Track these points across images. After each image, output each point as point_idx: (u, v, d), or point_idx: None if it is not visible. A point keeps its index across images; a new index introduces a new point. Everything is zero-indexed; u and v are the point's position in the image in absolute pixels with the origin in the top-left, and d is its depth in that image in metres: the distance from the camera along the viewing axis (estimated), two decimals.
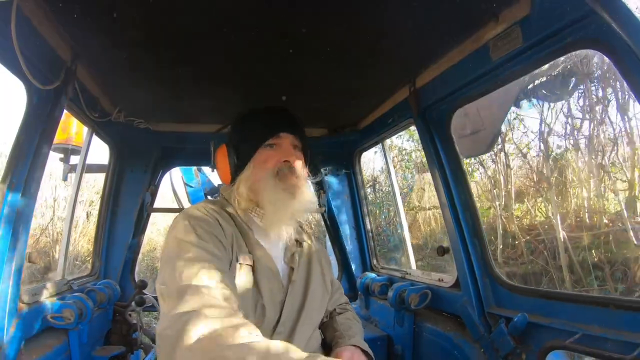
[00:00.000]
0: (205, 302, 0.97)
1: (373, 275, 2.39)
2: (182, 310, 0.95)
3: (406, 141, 7.02)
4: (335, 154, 2.62)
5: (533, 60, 1.30)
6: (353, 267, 2.65)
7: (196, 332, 0.89)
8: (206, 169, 5.52)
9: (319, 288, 1.42)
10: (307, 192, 1.35)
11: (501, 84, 1.47)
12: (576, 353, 1.26)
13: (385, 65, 1.69)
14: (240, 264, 1.22)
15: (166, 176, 2.67)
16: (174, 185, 5.02)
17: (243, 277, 1.22)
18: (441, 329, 1.79)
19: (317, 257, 1.48)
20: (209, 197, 5.36)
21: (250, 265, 1.25)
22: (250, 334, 0.90)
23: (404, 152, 7.20)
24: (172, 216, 1.67)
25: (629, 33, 0.96)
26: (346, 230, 2.66)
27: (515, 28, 1.28)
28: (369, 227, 2.65)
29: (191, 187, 5.29)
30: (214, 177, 5.56)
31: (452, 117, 1.73)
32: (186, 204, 5.26)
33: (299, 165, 1.35)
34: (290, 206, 1.30)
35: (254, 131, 1.36)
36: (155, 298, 2.30)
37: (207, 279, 1.03)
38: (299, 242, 1.45)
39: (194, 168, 5.22)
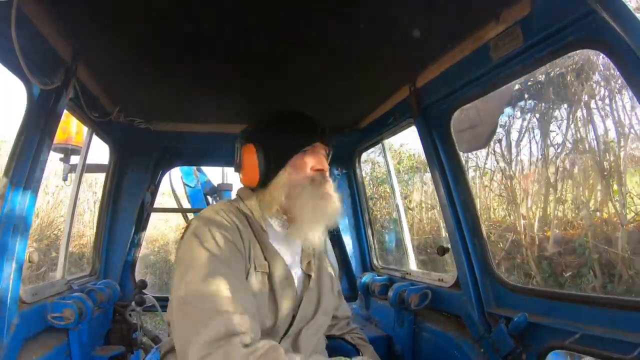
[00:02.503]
0: (233, 329, 0.99)
1: (373, 275, 2.39)
2: (213, 332, 0.98)
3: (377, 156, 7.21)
4: (335, 154, 2.58)
5: (533, 60, 1.29)
6: (353, 267, 2.65)
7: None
8: (206, 169, 5.53)
9: (330, 295, 1.44)
10: (338, 201, 1.35)
11: (501, 83, 1.47)
12: (576, 353, 1.26)
13: (385, 65, 1.69)
14: (256, 270, 1.22)
15: (165, 176, 2.67)
16: (173, 186, 5.03)
17: (258, 284, 1.21)
18: (441, 329, 1.79)
19: (326, 264, 1.50)
20: (208, 197, 5.36)
21: (266, 273, 1.24)
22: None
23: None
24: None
25: (629, 33, 0.96)
26: (346, 230, 2.66)
27: (515, 28, 1.27)
28: (369, 227, 2.64)
29: (190, 187, 5.30)
30: (213, 177, 5.57)
31: (452, 116, 1.73)
32: (185, 204, 5.27)
33: (328, 174, 1.36)
34: (326, 213, 1.30)
35: (292, 136, 1.34)
36: (156, 298, 2.30)
37: (233, 302, 1.04)
38: (313, 249, 1.45)
39: (194, 168, 5.23)
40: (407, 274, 2.16)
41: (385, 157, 2.64)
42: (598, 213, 4.24)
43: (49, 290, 1.67)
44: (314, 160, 1.33)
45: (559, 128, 4.57)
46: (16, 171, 1.32)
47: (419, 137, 1.86)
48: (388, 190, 7.07)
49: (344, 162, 2.65)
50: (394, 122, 2.09)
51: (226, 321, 0.99)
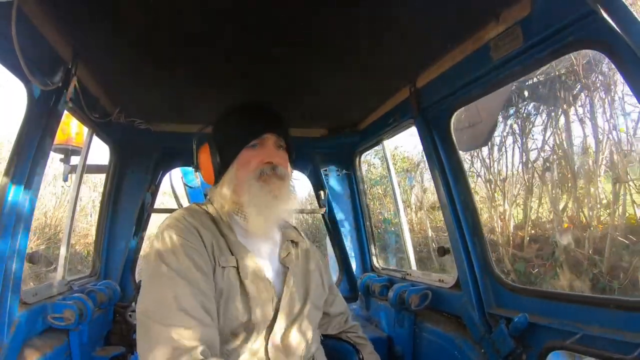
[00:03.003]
0: (187, 344, 1.00)
1: (373, 275, 2.39)
2: (170, 346, 1.00)
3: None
4: (336, 155, 2.62)
5: (534, 60, 1.29)
6: (353, 267, 2.64)
7: None
8: None
9: (319, 289, 1.42)
10: (290, 193, 1.33)
11: (502, 84, 1.47)
12: (577, 353, 1.26)
13: (385, 66, 1.69)
14: (222, 267, 1.20)
15: (165, 176, 2.66)
16: (173, 186, 5.02)
17: (227, 280, 1.20)
18: (442, 330, 1.79)
19: (314, 257, 1.47)
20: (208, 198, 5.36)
21: (235, 267, 1.22)
22: None
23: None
24: None
25: (629, 33, 0.96)
26: (346, 231, 2.65)
27: (515, 28, 1.28)
28: (369, 227, 2.64)
29: (191, 187, 5.29)
30: None
31: (452, 117, 1.73)
32: (185, 204, 5.27)
33: (282, 165, 1.32)
34: (274, 208, 1.27)
35: (237, 132, 1.32)
36: None
37: (186, 315, 1.05)
38: (294, 242, 1.44)
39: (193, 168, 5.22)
40: (407, 274, 2.16)
41: (385, 157, 2.64)
42: (566, 216, 4.53)
43: (49, 290, 1.67)
44: (262, 154, 1.29)
45: (535, 134, 4.89)
46: (16, 172, 1.32)
47: (419, 138, 1.86)
48: (381, 191, 7.39)
49: (344, 162, 2.66)
50: (394, 123, 2.09)
51: (176, 339, 1.01)
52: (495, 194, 5.23)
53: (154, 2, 1.21)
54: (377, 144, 2.45)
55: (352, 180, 2.67)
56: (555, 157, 4.59)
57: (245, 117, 1.36)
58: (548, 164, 4.64)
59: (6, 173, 1.31)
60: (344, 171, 2.67)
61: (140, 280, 2.31)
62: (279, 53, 1.55)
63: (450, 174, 1.73)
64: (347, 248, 2.63)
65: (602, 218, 4.19)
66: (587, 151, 4.30)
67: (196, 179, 5.28)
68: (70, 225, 2.16)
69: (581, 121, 4.34)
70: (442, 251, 1.89)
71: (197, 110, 2.18)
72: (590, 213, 4.16)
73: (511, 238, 4.96)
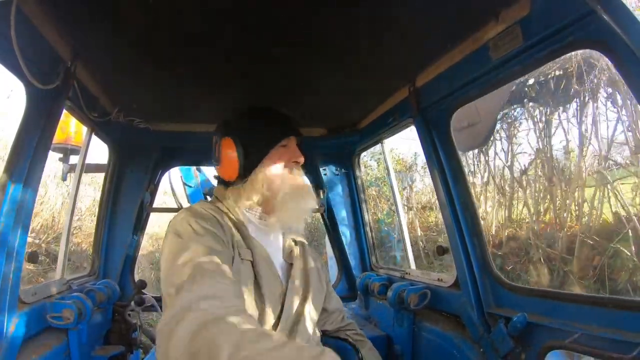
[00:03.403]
0: (201, 294, 0.97)
1: (372, 275, 2.39)
2: (178, 306, 0.96)
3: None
4: (335, 154, 2.62)
5: (533, 60, 1.29)
6: (352, 267, 2.65)
7: (190, 322, 0.88)
8: (205, 169, 5.53)
9: (318, 285, 1.45)
10: (311, 190, 1.42)
11: (501, 83, 1.47)
12: (575, 353, 1.26)
13: (385, 65, 1.69)
14: (242, 259, 1.24)
15: (165, 176, 2.66)
16: (172, 185, 5.02)
17: (244, 273, 1.23)
18: (440, 329, 1.79)
19: (312, 255, 1.51)
20: (207, 197, 5.36)
21: (250, 261, 1.26)
22: (245, 322, 0.89)
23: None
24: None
25: (629, 33, 0.97)
26: (346, 230, 2.65)
27: (515, 28, 1.28)
28: (368, 227, 2.65)
29: (190, 186, 5.30)
30: (212, 177, 5.57)
31: (451, 116, 1.73)
32: (185, 204, 5.27)
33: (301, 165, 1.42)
34: (307, 203, 1.36)
35: (269, 130, 1.38)
36: (155, 298, 2.30)
37: (202, 273, 1.04)
38: (294, 241, 1.49)
39: (193, 168, 5.22)
40: (406, 273, 2.17)
41: (384, 158, 2.64)
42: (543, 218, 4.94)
43: (48, 290, 1.67)
44: (291, 153, 1.39)
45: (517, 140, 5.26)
46: (15, 171, 1.32)
47: (418, 137, 1.86)
48: (374, 192, 7.72)
49: (344, 162, 2.65)
50: (393, 122, 2.09)
51: (199, 289, 0.99)
52: (481, 196, 5.63)
53: (154, 2, 1.20)
54: (376, 143, 2.45)
55: (352, 180, 2.67)
56: (538, 161, 4.94)
57: (274, 118, 1.43)
58: (527, 168, 5.02)
59: (5, 172, 1.31)
60: (343, 171, 2.67)
61: (140, 280, 2.32)
62: (279, 53, 1.55)
63: (450, 174, 1.73)
64: (346, 247, 2.63)
65: (576, 220, 4.54)
66: (568, 157, 4.65)
67: (196, 178, 5.28)
68: (69, 224, 2.15)
69: (564, 128, 4.68)
70: (441, 250, 1.90)
71: (197, 110, 2.18)
72: (565, 215, 4.54)
73: (491, 238, 5.33)
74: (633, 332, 1.07)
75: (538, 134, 4.80)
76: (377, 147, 2.49)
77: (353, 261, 2.65)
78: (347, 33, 1.42)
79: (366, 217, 2.66)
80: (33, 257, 1.59)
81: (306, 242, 1.55)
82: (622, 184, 4.14)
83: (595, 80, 4.13)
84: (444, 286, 1.83)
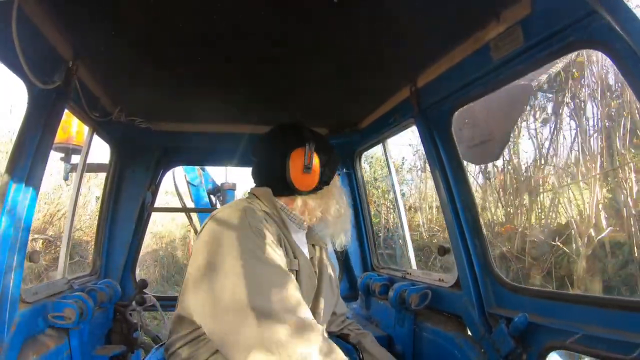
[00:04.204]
0: (313, 337, 1.09)
1: (373, 275, 2.39)
2: (302, 346, 1.05)
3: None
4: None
5: (534, 60, 1.29)
6: (354, 266, 2.65)
7: None
8: (209, 168, 5.54)
9: (329, 290, 1.48)
10: None
11: (502, 84, 1.47)
12: (576, 353, 1.26)
13: (386, 65, 1.69)
14: (290, 269, 1.25)
15: (169, 175, 2.67)
16: (176, 184, 5.04)
17: None
18: (442, 329, 1.79)
19: (327, 262, 1.54)
20: (211, 196, 5.37)
21: (296, 270, 1.29)
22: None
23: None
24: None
25: (629, 33, 0.96)
26: None
27: (516, 28, 1.27)
28: (369, 226, 2.64)
29: (194, 185, 5.31)
30: (216, 176, 5.57)
31: (453, 116, 1.72)
32: (189, 203, 5.28)
33: None
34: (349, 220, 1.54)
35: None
36: (156, 298, 2.30)
37: (300, 304, 1.13)
38: (313, 247, 1.52)
39: (197, 167, 5.24)
40: (408, 273, 2.16)
41: (386, 157, 2.64)
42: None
43: (49, 289, 1.67)
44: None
45: None
46: (17, 171, 1.32)
47: (419, 138, 1.86)
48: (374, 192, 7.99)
49: (345, 162, 2.65)
50: (394, 123, 2.09)
51: (302, 316, 1.10)
52: None
53: (154, 2, 1.21)
54: (377, 143, 2.45)
55: (353, 180, 2.66)
56: (506, 169, 5.49)
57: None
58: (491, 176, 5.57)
59: (7, 172, 1.32)
60: (345, 170, 2.66)
61: (141, 280, 2.32)
62: (279, 53, 1.55)
63: (451, 174, 1.73)
64: (347, 247, 2.62)
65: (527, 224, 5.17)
66: (533, 166, 5.21)
67: (199, 178, 5.29)
68: (70, 224, 2.15)
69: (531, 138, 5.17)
70: (442, 250, 1.90)
71: (198, 109, 2.19)
72: (523, 218, 5.29)
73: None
74: (634, 332, 1.06)
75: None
76: (370, 151, 2.50)
77: (354, 261, 2.65)
78: (348, 33, 1.42)
79: (367, 217, 2.65)
80: (34, 257, 1.59)
81: (323, 244, 1.58)
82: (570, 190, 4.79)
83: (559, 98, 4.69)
84: (445, 286, 1.83)
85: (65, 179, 4.09)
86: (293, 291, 1.14)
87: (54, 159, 4.12)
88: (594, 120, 4.50)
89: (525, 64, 1.33)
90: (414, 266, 2.31)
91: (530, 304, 1.42)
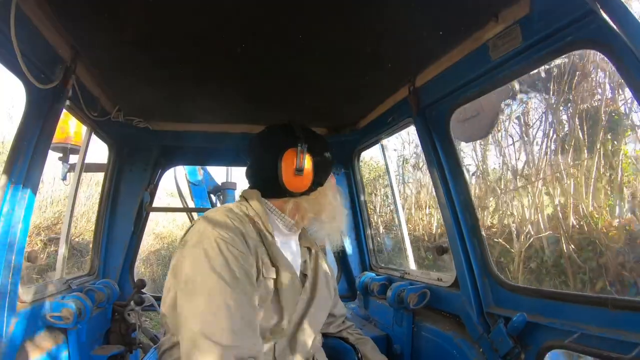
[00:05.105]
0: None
1: (372, 274, 2.39)
2: None
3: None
4: (335, 154, 2.60)
5: (533, 60, 1.30)
6: (352, 266, 2.65)
7: None
8: (210, 168, 5.53)
9: (325, 292, 1.46)
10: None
11: (501, 83, 1.47)
12: (575, 353, 1.26)
13: (384, 65, 1.69)
14: (264, 277, 1.23)
15: (170, 174, 2.67)
16: (178, 183, 5.04)
17: (265, 288, 1.23)
18: (440, 329, 1.79)
19: (323, 263, 1.52)
20: (212, 196, 5.37)
21: (274, 279, 1.26)
22: None
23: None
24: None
25: (628, 33, 0.96)
26: (345, 229, 2.65)
27: (514, 27, 1.28)
28: (367, 226, 2.64)
29: (195, 185, 5.30)
30: (218, 176, 5.56)
31: (451, 116, 1.73)
32: (189, 202, 5.27)
33: None
34: (345, 221, 1.51)
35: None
36: (155, 297, 2.30)
37: (244, 328, 1.09)
38: (308, 249, 1.49)
39: (198, 166, 5.23)
40: (406, 273, 2.16)
41: (384, 157, 2.64)
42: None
43: (47, 289, 1.67)
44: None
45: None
46: (15, 170, 1.32)
47: (417, 137, 1.86)
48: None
49: (343, 161, 2.65)
50: (393, 122, 2.09)
51: (240, 351, 1.05)
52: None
53: (152, 2, 1.20)
54: (376, 142, 2.45)
55: (351, 179, 2.66)
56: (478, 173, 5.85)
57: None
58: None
59: (5, 172, 1.31)
60: (343, 170, 2.66)
61: (140, 279, 2.31)
62: (279, 53, 1.55)
63: (449, 173, 1.73)
64: (346, 247, 2.63)
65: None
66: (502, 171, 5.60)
67: (200, 177, 5.29)
68: (68, 224, 2.15)
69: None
70: (441, 250, 1.90)
71: (196, 109, 2.18)
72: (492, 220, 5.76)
73: (429, 234, 6.74)
74: (632, 332, 1.07)
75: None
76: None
77: (352, 261, 2.65)
78: (347, 33, 1.42)
79: (366, 216, 2.65)
80: (32, 257, 1.58)
81: (317, 246, 1.55)
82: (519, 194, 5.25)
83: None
84: (443, 286, 1.83)
85: (63, 179, 4.08)
86: (234, 327, 1.08)
87: (54, 159, 4.11)
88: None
89: (523, 64, 1.33)
90: (412, 266, 2.31)
91: (529, 303, 1.42)
